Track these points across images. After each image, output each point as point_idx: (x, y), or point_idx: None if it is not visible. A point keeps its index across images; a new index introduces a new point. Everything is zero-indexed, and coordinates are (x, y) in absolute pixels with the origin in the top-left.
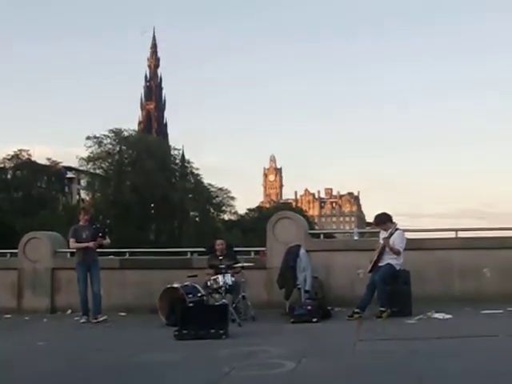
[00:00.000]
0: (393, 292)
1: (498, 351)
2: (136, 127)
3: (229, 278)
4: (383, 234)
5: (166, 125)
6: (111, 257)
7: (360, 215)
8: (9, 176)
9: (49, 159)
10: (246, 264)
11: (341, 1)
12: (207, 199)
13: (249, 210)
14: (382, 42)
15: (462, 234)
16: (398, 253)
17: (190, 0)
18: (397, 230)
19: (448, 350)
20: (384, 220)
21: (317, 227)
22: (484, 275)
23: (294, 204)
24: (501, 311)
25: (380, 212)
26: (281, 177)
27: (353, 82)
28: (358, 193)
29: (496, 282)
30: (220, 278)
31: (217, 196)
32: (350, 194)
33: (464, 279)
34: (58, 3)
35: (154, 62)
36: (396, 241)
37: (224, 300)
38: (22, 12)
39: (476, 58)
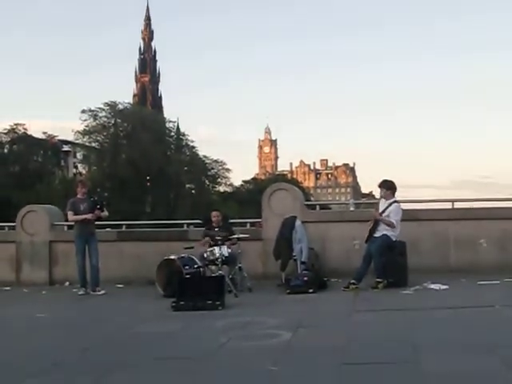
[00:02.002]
0: (389, 263)
1: (493, 322)
2: (131, 100)
3: (225, 250)
4: (382, 203)
5: (160, 97)
6: (108, 229)
7: (356, 186)
8: (5, 150)
9: (45, 133)
10: (241, 235)
11: None
12: (202, 171)
13: (244, 181)
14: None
15: (458, 205)
16: (389, 224)
17: None
18: (395, 202)
19: (444, 320)
20: (390, 187)
21: (312, 198)
22: (480, 246)
23: (289, 175)
24: (497, 282)
25: (390, 179)
26: (276, 148)
27: (348, 53)
28: (354, 164)
29: (492, 252)
30: (216, 249)
31: (212, 168)
32: (346, 165)
33: (460, 250)
34: None
35: (148, 34)
36: (391, 213)
37: (220, 271)
38: None
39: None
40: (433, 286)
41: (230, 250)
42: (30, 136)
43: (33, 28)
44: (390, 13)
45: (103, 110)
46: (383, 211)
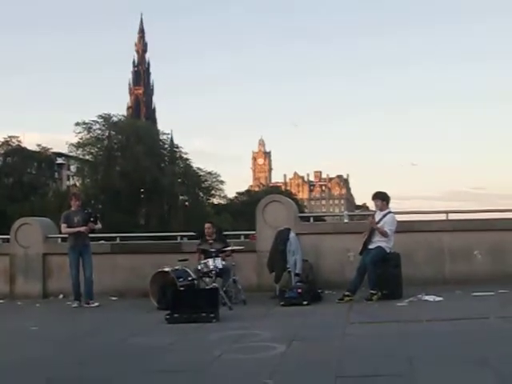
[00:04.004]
0: (383, 275)
1: (488, 333)
2: (125, 112)
3: (219, 262)
4: (378, 214)
5: (154, 110)
6: (102, 242)
7: (349, 198)
8: None
9: (39, 145)
10: (236, 247)
11: None
12: (196, 183)
13: (238, 193)
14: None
15: (452, 216)
16: (384, 234)
17: None
18: (389, 212)
19: (439, 332)
20: (384, 197)
21: (306, 210)
22: (475, 257)
23: (283, 187)
24: (492, 293)
25: (382, 191)
26: (270, 160)
27: (342, 67)
28: (348, 176)
29: (487, 264)
30: (210, 261)
31: (206, 180)
32: (340, 176)
33: (455, 261)
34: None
35: (142, 47)
36: (386, 224)
37: (214, 284)
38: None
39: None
40: (427, 298)
41: (224, 263)
42: (24, 148)
43: (28, 40)
44: (387, 22)
45: (97, 122)
46: (378, 222)
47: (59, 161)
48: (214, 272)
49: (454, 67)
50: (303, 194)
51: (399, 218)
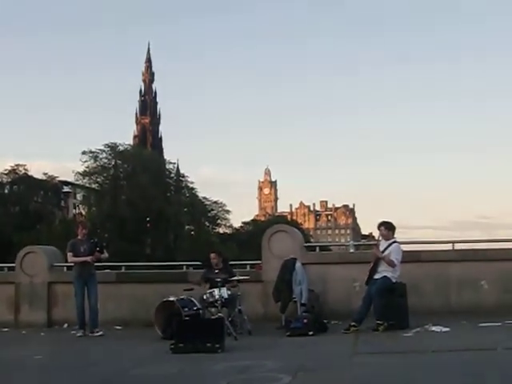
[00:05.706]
0: (389, 305)
1: (496, 364)
2: (131, 141)
3: (225, 292)
4: (383, 244)
5: (160, 139)
6: (107, 271)
7: (355, 228)
8: (6, 191)
9: (45, 174)
10: (241, 277)
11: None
12: (202, 213)
13: (244, 223)
14: (381, 47)
15: (458, 246)
16: (390, 263)
17: (186, 11)
18: (395, 242)
19: (445, 363)
20: (390, 227)
21: (312, 240)
22: (482, 287)
23: (289, 217)
24: (499, 324)
25: (388, 220)
26: (276, 190)
27: (348, 92)
28: (354, 205)
29: (494, 294)
30: (216, 291)
31: (212, 209)
32: (346, 206)
33: (461, 291)
34: (52, 27)
35: (149, 76)
36: (392, 253)
37: (220, 314)
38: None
39: (474, 63)
40: (434, 328)
41: (229, 292)
42: (31, 177)
43: (34, 68)
44: (389, 58)
45: (103, 151)
46: (383, 251)
47: (65, 189)
48: (219, 302)
49: (458, 100)
50: (309, 224)
51: (405, 247)
